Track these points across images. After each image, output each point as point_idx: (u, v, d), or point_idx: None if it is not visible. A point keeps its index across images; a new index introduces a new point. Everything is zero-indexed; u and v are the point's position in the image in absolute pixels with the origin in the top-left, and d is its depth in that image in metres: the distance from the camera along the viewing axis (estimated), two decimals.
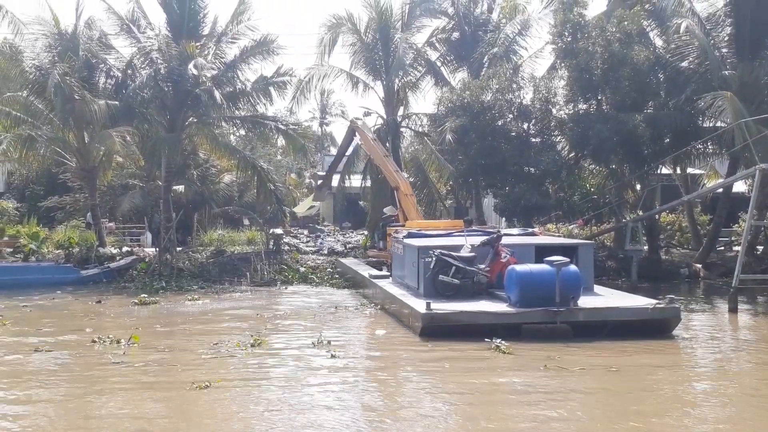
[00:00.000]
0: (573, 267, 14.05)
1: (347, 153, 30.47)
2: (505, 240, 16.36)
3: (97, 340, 13.13)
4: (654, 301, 14.41)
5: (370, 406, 9.37)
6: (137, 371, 11.12)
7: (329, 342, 12.91)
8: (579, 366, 11.28)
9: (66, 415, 8.97)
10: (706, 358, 12.77)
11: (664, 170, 27.13)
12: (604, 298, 15.37)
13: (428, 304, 13.74)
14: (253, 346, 12.53)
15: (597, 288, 16.61)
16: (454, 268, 15.34)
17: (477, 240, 16.30)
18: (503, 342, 12.41)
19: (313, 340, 13.01)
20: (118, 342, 12.91)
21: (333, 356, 11.90)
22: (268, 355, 12.16)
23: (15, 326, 14.91)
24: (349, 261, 25.06)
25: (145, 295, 19.06)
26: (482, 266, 15.57)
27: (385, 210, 24.41)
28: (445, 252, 15.56)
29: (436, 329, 13.51)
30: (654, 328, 13.82)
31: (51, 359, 11.86)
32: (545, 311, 13.56)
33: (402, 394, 10.18)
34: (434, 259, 15.50)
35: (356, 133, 27.65)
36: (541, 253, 15.17)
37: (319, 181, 32.32)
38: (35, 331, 14.48)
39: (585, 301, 14.17)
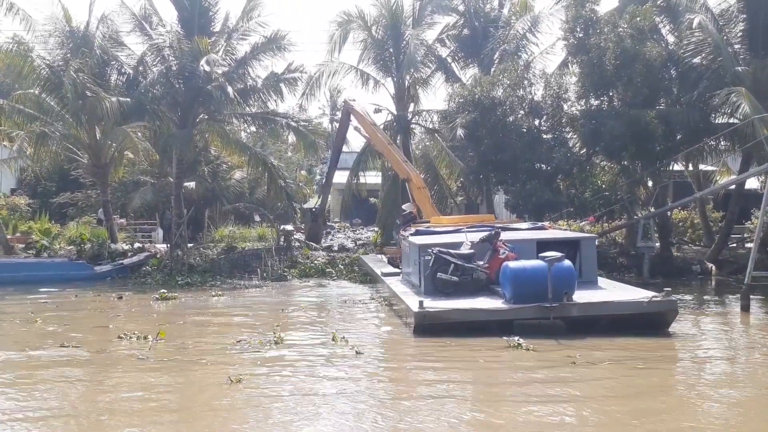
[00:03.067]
0: (567, 262, 14.01)
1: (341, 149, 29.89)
2: (506, 235, 16.37)
3: (123, 335, 13.25)
4: (651, 295, 14.34)
5: (403, 407, 9.35)
6: (168, 366, 11.24)
7: (345, 338, 13.03)
8: (608, 361, 11.44)
9: (102, 412, 8.95)
10: (718, 356, 12.66)
11: (677, 167, 26.99)
12: (603, 291, 15.25)
13: (421, 302, 13.81)
14: (276, 343, 12.66)
15: (601, 281, 16.58)
16: (452, 265, 15.37)
17: (477, 237, 16.30)
18: (521, 339, 12.44)
19: (329, 337, 13.18)
20: (145, 338, 13.02)
21: (357, 353, 12.00)
22: (290, 351, 12.28)
23: (44, 323, 15.00)
24: (368, 257, 25.07)
25: (165, 291, 19.13)
26: (481, 263, 15.59)
27: (404, 206, 24.33)
28: (444, 250, 15.58)
29: (429, 327, 13.54)
30: (651, 322, 13.73)
31: (79, 355, 11.93)
32: (538, 307, 13.56)
33: (435, 395, 9.98)
34: (433, 256, 15.53)
35: (351, 116, 26.87)
36: (543, 248, 15.03)
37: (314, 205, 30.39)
38: (63, 327, 14.63)
39: (583, 296, 14.14)
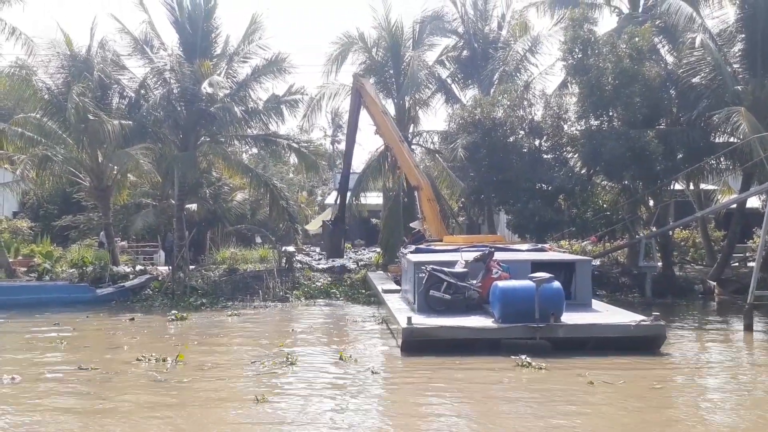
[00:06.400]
0: (556, 283, 14.04)
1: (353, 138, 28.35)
2: (501, 256, 16.41)
3: (142, 357, 13.27)
4: (639, 318, 14.32)
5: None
6: (190, 388, 11.32)
7: (354, 358, 13.26)
8: (623, 380, 11.54)
9: None
10: (721, 376, 12.67)
11: (678, 186, 27.04)
12: (594, 314, 15.24)
13: (409, 319, 13.89)
14: (292, 364, 12.79)
15: (596, 304, 16.57)
16: (445, 283, 15.44)
17: (471, 256, 16.33)
18: (529, 358, 12.49)
19: (337, 356, 13.40)
20: (164, 359, 13.06)
21: (373, 372, 12.18)
22: (305, 371, 12.49)
23: (60, 345, 15.03)
24: (374, 275, 25.04)
25: (175, 312, 19.24)
26: (474, 282, 15.60)
27: (413, 224, 24.11)
28: (437, 267, 15.65)
29: (416, 344, 13.66)
30: (639, 345, 13.71)
31: (99, 378, 11.94)
32: (525, 327, 13.66)
33: (459, 414, 10.11)
34: (426, 274, 15.57)
35: (361, 95, 25.78)
36: (538, 269, 15.07)
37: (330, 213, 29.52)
38: (81, 349, 14.68)
39: (573, 317, 14.18)
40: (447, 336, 13.74)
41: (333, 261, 29.40)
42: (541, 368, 12.15)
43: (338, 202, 28.83)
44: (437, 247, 19.23)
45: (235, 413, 9.81)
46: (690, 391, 11.47)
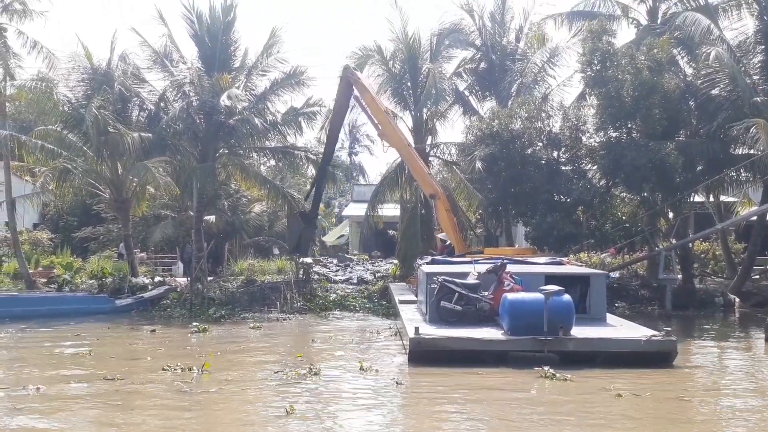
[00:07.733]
0: (566, 296, 13.95)
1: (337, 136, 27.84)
2: (515, 268, 16.38)
3: (168, 367, 13.33)
4: (650, 333, 14.19)
5: None
6: (220, 397, 11.35)
7: (374, 368, 13.27)
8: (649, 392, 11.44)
9: None
10: (743, 389, 12.55)
11: (697, 198, 26.85)
12: (607, 328, 15.10)
13: (416, 329, 13.87)
14: (316, 374, 12.82)
15: (611, 318, 16.45)
16: (457, 294, 15.40)
17: (483, 267, 16.30)
18: (552, 369, 12.43)
19: (358, 367, 13.44)
20: (190, 369, 13.12)
21: (398, 384, 12.17)
22: (330, 381, 12.59)
23: (84, 356, 15.11)
24: (395, 285, 24.99)
25: (197, 324, 19.35)
26: (486, 293, 15.56)
27: (440, 236, 23.95)
28: (449, 279, 15.62)
29: (423, 354, 13.65)
30: (650, 360, 13.56)
31: (127, 388, 11.97)
32: (533, 340, 13.58)
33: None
34: (438, 285, 15.56)
35: (354, 88, 24.31)
36: (552, 282, 14.96)
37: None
38: (107, 360, 14.77)
39: (585, 331, 14.07)
40: (454, 347, 13.70)
41: (350, 273, 29.48)
42: (566, 379, 12.08)
43: (313, 198, 28.00)
44: (453, 259, 19.19)
45: (265, 424, 9.81)
46: (718, 404, 11.34)
